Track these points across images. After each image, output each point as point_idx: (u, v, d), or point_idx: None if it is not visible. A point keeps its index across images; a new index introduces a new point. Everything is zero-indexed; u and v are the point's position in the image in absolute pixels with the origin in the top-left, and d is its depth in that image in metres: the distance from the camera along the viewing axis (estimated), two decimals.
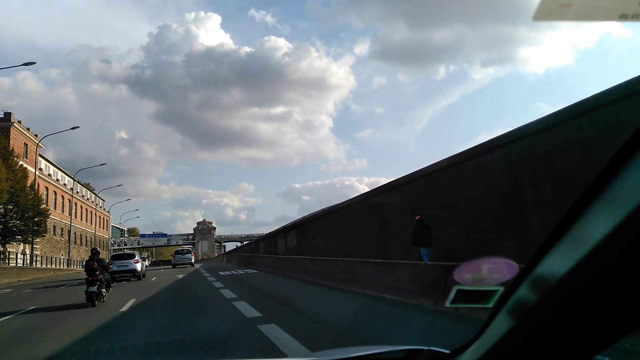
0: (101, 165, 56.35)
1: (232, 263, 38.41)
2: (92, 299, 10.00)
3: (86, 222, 67.30)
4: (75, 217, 59.70)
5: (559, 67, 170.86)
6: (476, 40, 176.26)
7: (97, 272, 10.31)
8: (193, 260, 34.65)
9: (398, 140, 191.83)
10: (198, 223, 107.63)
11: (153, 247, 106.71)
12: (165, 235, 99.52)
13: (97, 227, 70.80)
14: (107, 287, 11.15)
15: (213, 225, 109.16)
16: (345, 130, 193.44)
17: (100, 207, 75.49)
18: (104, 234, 75.47)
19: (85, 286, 10.25)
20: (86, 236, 67.10)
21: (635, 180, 0.54)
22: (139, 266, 20.47)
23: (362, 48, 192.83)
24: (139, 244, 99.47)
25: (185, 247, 49.53)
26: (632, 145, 0.56)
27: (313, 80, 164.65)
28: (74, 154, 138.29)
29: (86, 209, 67.46)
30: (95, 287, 10.12)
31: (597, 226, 0.59)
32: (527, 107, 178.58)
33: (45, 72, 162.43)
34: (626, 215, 0.54)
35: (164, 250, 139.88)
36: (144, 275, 20.97)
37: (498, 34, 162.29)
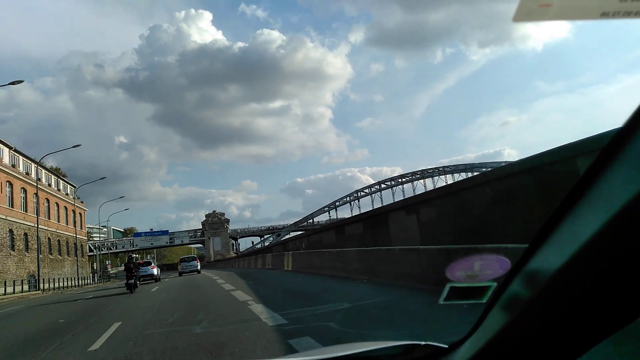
0: (101, 179, 55.01)
1: (279, 270, 22.38)
2: (131, 288, 17.10)
3: (58, 221, 50.50)
4: (43, 217, 43.24)
5: (557, 41, 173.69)
6: (473, 19, 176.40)
7: (133, 271, 17.43)
8: (199, 267, 34.71)
9: (398, 128, 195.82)
10: (207, 215, 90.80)
11: (152, 248, 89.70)
12: (166, 232, 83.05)
13: (71, 224, 53.61)
14: (136, 281, 18.21)
15: (226, 217, 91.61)
16: (345, 121, 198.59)
17: (75, 198, 58.34)
18: (80, 234, 58.24)
19: (126, 280, 17.61)
20: (62, 240, 50.22)
21: (623, 178, 0.56)
22: (155, 271, 26.70)
23: (357, 36, 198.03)
24: (133, 246, 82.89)
25: (191, 255, 48.11)
26: (618, 144, 0.57)
27: (310, 71, 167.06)
28: (75, 161, 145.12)
29: (57, 204, 50.58)
30: (133, 281, 17.25)
31: (586, 223, 0.61)
32: (526, 86, 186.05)
33: (40, 81, 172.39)
34: (615, 212, 0.55)
35: (168, 252, 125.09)
36: (159, 279, 26.12)
37: (495, 12, 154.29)
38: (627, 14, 0.56)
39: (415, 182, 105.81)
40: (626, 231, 0.56)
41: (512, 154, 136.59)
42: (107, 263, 70.01)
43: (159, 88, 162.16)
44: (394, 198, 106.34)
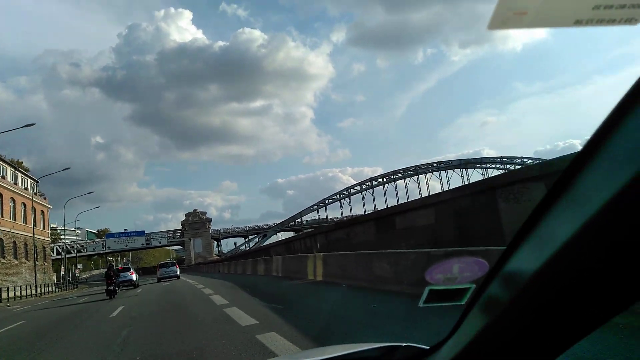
0: (65, 169, 48.16)
1: (301, 280, 16.20)
2: (111, 294, 17.90)
3: (14, 219, 43.74)
4: (2, 216, 36.84)
5: (536, 42, 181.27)
6: (454, 20, 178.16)
7: (113, 278, 18.55)
8: (178, 272, 33.08)
9: (379, 128, 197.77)
10: (187, 215, 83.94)
11: (127, 250, 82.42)
12: (142, 233, 76.08)
13: (31, 224, 46.77)
14: (116, 288, 19.03)
15: (207, 216, 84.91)
16: (326, 121, 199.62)
17: (36, 193, 51.39)
18: (42, 235, 51.31)
19: (106, 287, 18.60)
20: (18, 241, 43.53)
21: (598, 179, 0.57)
22: (134, 277, 26.14)
23: (338, 35, 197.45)
24: (105, 248, 75.70)
25: (170, 260, 46.07)
26: (594, 145, 0.58)
27: (291, 70, 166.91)
28: (50, 161, 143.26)
29: (12, 199, 43.89)
30: (112, 287, 18.23)
31: (561, 225, 0.62)
32: (505, 86, 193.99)
33: (14, 80, 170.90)
34: (590, 215, 0.56)
35: (145, 255, 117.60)
36: (138, 285, 25.78)
37: (477, 13, 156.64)
38: (600, 22, 0.58)
39: (407, 179, 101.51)
40: (602, 232, 0.57)
41: (491, 154, 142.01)
42: (77, 267, 63.28)
43: (136, 87, 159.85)
44: (386, 196, 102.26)
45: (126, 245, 76.34)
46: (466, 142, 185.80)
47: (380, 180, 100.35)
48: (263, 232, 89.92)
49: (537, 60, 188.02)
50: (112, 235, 77.77)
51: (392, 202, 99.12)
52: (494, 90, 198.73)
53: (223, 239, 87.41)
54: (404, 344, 1.26)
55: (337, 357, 1.38)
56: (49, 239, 56.95)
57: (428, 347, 1.16)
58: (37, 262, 45.21)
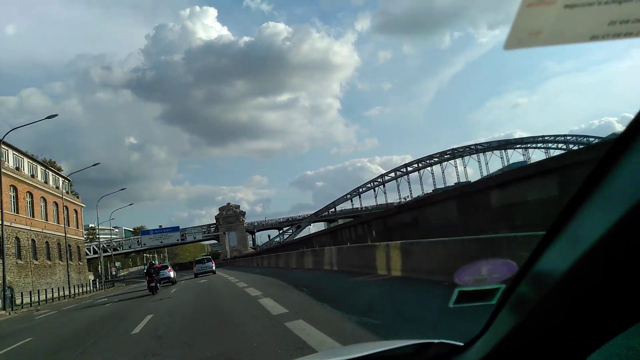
0: (94, 165, 46.08)
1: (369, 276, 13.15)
2: (154, 290, 19.16)
3: (46, 219, 42.69)
4: (24, 214, 35.52)
5: None
6: (481, 1, 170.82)
7: (154, 276, 19.62)
8: (214, 267, 33.61)
9: (407, 115, 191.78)
10: (221, 209, 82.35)
11: (162, 247, 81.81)
12: (177, 229, 74.72)
13: (67, 225, 45.66)
14: (157, 284, 20.00)
15: (241, 209, 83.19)
16: (353, 111, 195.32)
17: (69, 192, 50.40)
18: (76, 234, 50.34)
19: (147, 284, 19.84)
20: (51, 242, 42.46)
21: (630, 177, 0.55)
22: (172, 274, 26.14)
23: (363, 24, 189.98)
24: (141, 245, 74.93)
25: (205, 256, 44.67)
26: (626, 142, 0.56)
27: (316, 62, 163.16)
28: (86, 164, 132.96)
29: (43, 199, 42.84)
30: (154, 284, 19.38)
31: (593, 224, 0.61)
32: (534, 67, 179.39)
33: (49, 86, 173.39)
34: (622, 213, 0.55)
35: (180, 250, 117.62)
36: (175, 282, 25.97)
37: None
38: (616, 36, 0.58)
39: (443, 164, 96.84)
40: (635, 231, 0.55)
41: (523, 136, 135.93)
42: (114, 265, 62.68)
43: (166, 87, 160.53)
44: (421, 182, 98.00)
45: (161, 242, 75.32)
46: (497, 125, 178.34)
47: (415, 165, 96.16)
48: (297, 223, 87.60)
49: None
50: (147, 232, 76.69)
51: (428, 189, 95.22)
52: (524, 70, 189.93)
53: (257, 231, 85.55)
54: (437, 341, 1.25)
55: (371, 354, 1.36)
56: (83, 238, 56.06)
57: (462, 344, 1.15)
58: (71, 262, 44.06)
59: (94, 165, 45.46)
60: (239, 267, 42.71)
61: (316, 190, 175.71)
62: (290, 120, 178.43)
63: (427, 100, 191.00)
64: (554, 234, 0.70)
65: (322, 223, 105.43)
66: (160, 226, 76.70)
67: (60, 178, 50.16)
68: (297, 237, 69.60)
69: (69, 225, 46.73)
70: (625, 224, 0.55)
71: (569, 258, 0.65)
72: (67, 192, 49.98)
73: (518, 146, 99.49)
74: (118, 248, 76.59)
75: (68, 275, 39.99)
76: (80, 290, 37.94)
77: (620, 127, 69.93)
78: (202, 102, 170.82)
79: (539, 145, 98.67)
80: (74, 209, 52.15)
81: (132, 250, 78.84)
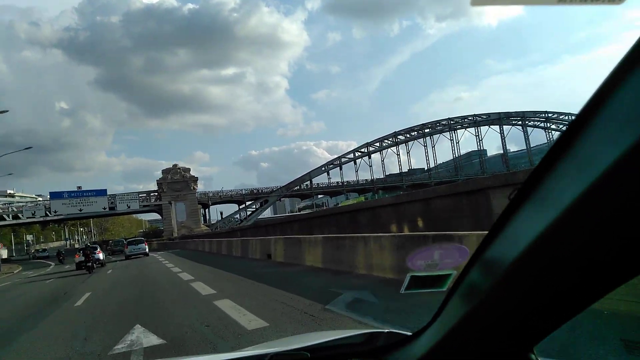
0: (26, 149, 38.58)
1: None
2: (90, 269, 19.56)
3: None
4: None
5: (513, 18, 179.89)
6: None
7: (90, 256, 20.02)
8: (147, 250, 32.04)
9: (353, 101, 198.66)
10: (165, 171, 63.65)
11: (82, 217, 61.90)
12: (103, 192, 55.40)
13: None
14: (93, 263, 20.43)
15: (192, 174, 64.99)
16: (301, 92, 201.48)
17: None
18: None
19: (84, 263, 20.08)
20: None
21: (573, 170, 0.59)
22: (101, 255, 24.49)
23: (314, 3, 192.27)
24: (49, 212, 55.06)
25: (138, 238, 41.13)
26: (566, 142, 0.60)
27: (264, 37, 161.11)
28: (10, 127, 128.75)
29: None
30: (90, 263, 19.78)
31: (539, 214, 0.64)
32: (476, 63, 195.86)
33: None
34: (567, 204, 0.58)
35: (112, 225, 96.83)
36: (104, 264, 24.55)
37: None
38: (584, 1, 0.57)
39: (432, 137, 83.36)
40: (578, 223, 0.58)
41: None
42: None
43: (101, 50, 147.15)
44: (409, 156, 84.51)
45: (80, 210, 55.64)
46: (438, 117, 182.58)
47: (404, 137, 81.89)
48: (264, 197, 70.63)
49: (510, 38, 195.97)
50: (60, 194, 55.27)
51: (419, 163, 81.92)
52: (466, 66, 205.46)
53: (213, 204, 67.54)
54: (386, 330, 1.24)
55: (319, 344, 1.34)
56: None
57: (410, 334, 1.14)
58: None
59: (27, 149, 38.32)
60: (195, 253, 26.15)
61: (261, 171, 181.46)
62: (236, 96, 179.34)
63: (372, 87, 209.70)
64: (505, 222, 0.71)
65: (295, 199, 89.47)
66: (80, 187, 56.50)
67: None
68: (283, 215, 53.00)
69: None
70: (565, 219, 0.58)
71: (518, 246, 0.66)
72: None
73: (516, 122, 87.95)
74: (20, 216, 56.31)
75: None
76: None
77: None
78: (141, 69, 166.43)
79: (538, 123, 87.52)
80: None
81: (37, 220, 57.73)
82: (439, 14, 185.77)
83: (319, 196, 79.48)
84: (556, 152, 0.61)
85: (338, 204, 73.62)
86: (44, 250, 61.81)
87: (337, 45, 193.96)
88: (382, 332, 1.24)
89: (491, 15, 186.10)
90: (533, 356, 0.85)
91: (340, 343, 1.33)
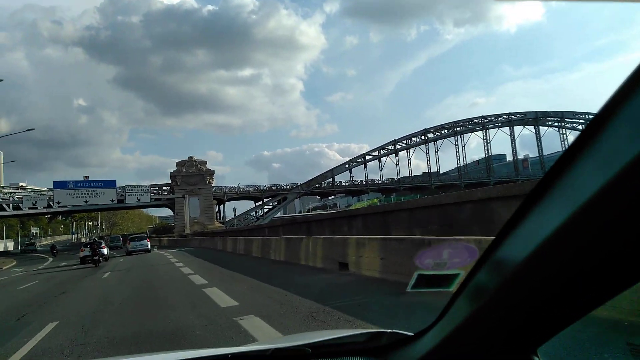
0: (28, 130, 37.45)
1: None
2: (96, 263, 20.04)
3: None
4: None
5: (531, 25, 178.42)
6: None
7: (96, 250, 20.41)
8: (149, 246, 30.99)
9: (368, 104, 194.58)
10: (180, 164, 58.99)
11: (88, 209, 57.64)
12: (112, 183, 50.83)
13: None
14: (100, 258, 20.85)
15: (208, 167, 60.37)
16: (316, 94, 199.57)
17: None
18: None
19: (91, 257, 20.58)
20: None
21: (587, 173, 0.59)
22: (105, 250, 24.50)
23: (332, 6, 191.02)
24: (53, 203, 50.71)
25: (141, 234, 37.40)
26: (584, 141, 0.59)
27: (282, 39, 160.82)
28: (30, 122, 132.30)
29: None
30: (97, 257, 20.23)
31: (550, 216, 0.63)
32: (493, 69, 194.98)
33: None
34: (577, 208, 0.58)
35: (121, 220, 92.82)
36: (108, 259, 24.81)
37: None
38: None
39: (461, 135, 77.83)
40: (587, 227, 0.58)
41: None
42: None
43: (121, 49, 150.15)
44: (437, 154, 79.06)
45: (86, 201, 51.23)
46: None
47: (434, 134, 76.50)
48: (283, 193, 65.73)
49: (529, 44, 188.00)
50: (64, 184, 50.80)
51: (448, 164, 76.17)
52: (483, 71, 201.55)
53: (229, 200, 62.80)
54: (389, 330, 1.25)
55: (322, 342, 1.34)
56: None
57: (412, 334, 1.15)
58: None
59: (28, 130, 37.37)
60: (211, 252, 21.15)
61: (272, 172, 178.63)
62: (251, 97, 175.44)
63: (388, 91, 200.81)
64: (516, 223, 0.71)
65: (305, 199, 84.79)
66: (87, 177, 51.98)
67: None
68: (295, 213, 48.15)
69: None
70: (578, 219, 0.58)
71: (526, 248, 0.66)
72: None
73: (552, 122, 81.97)
74: (20, 207, 52.16)
75: None
76: None
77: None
78: (160, 69, 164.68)
79: (576, 125, 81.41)
80: None
81: (40, 212, 53.47)
82: (458, 19, 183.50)
83: (333, 197, 74.84)
84: (573, 151, 0.60)
85: (350, 205, 68.75)
86: (32, 244, 60.46)
87: (354, 48, 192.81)
88: (386, 331, 1.24)
89: (511, 20, 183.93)
90: (536, 358, 0.84)
91: (344, 342, 1.34)
